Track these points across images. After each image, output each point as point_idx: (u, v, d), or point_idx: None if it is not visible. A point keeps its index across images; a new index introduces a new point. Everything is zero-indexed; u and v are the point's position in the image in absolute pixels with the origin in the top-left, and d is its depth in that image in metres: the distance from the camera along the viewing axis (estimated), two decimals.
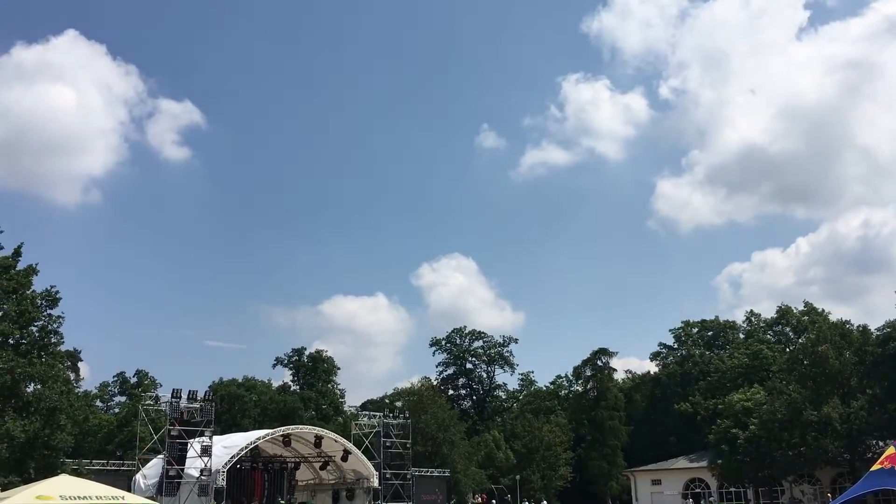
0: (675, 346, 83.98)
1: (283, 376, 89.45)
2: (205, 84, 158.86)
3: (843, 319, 55.60)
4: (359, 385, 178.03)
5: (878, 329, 50.76)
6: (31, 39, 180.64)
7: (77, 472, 27.71)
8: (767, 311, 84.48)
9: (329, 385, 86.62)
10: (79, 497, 20.66)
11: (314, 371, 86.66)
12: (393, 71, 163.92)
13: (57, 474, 24.42)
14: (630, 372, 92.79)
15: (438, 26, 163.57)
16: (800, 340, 69.26)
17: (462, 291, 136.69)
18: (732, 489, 57.79)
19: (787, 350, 70.46)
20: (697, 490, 61.06)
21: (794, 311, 75.59)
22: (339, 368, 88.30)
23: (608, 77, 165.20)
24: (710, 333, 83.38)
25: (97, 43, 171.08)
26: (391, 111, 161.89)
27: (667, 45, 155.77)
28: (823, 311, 71.51)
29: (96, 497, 21.30)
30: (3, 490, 24.33)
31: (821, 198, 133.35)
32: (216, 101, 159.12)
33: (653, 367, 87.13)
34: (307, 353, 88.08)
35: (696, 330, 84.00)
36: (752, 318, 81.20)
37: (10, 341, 26.76)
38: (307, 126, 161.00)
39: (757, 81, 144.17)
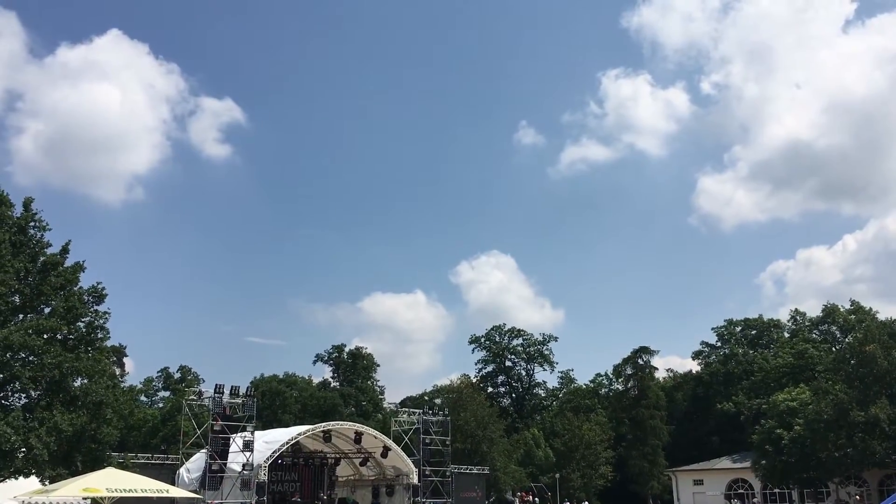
0: (718, 344, 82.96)
1: (324, 373, 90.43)
2: (245, 82, 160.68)
3: (892, 318, 54.39)
4: (398, 382, 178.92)
5: None
6: (76, 40, 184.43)
7: (123, 466, 28.23)
8: (813, 310, 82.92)
9: (369, 382, 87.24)
10: (124, 490, 21.07)
11: (354, 368, 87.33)
12: (431, 67, 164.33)
13: (103, 467, 24.89)
14: (671, 370, 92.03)
15: (476, 22, 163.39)
16: (846, 340, 67.89)
17: (501, 289, 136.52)
18: (776, 490, 56.89)
19: (834, 349, 69.10)
20: (741, 491, 60.21)
21: (841, 309, 74.05)
22: (378, 365, 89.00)
23: (649, 72, 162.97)
24: (753, 332, 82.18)
25: (140, 42, 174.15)
26: (430, 108, 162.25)
27: (709, 39, 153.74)
28: (871, 309, 70.00)
29: (141, 490, 21.71)
30: (51, 482, 24.90)
31: (868, 194, 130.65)
32: (256, 99, 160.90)
33: (695, 366, 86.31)
34: (347, 349, 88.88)
35: (739, 328, 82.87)
36: (798, 317, 79.82)
37: (59, 337, 27.23)
38: (346, 124, 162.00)
39: (802, 76, 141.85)
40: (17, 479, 25.95)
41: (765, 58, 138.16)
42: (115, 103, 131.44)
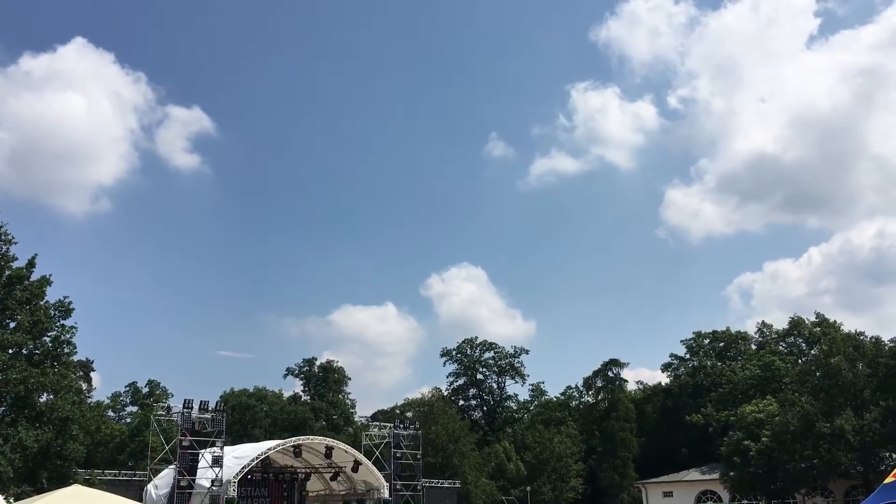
0: (687, 356, 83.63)
1: (294, 386, 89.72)
2: (213, 91, 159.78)
3: (857, 331, 55.36)
4: (369, 395, 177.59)
5: (891, 340, 50.54)
6: (39, 49, 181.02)
7: (89, 483, 27.85)
8: (779, 322, 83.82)
9: (340, 395, 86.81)
10: None
11: (325, 381, 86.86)
12: (401, 79, 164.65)
13: (69, 484, 24.55)
14: (641, 383, 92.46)
15: (446, 35, 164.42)
16: (812, 352, 68.86)
17: (472, 300, 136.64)
18: (745, 501, 57.38)
19: (800, 361, 70.04)
20: (709, 502, 60.69)
21: (807, 322, 75.13)
22: (349, 379, 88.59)
23: (617, 85, 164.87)
24: (721, 344, 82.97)
25: (105, 51, 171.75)
26: (399, 120, 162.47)
27: (676, 54, 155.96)
28: (836, 322, 71.13)
29: None
30: (15, 500, 24.49)
31: (834, 207, 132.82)
32: (225, 108, 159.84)
33: (664, 379, 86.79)
34: (318, 363, 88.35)
35: (707, 341, 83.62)
36: (765, 330, 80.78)
37: (24, 352, 26.95)
38: (315, 135, 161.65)
39: (768, 90, 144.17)
40: None
41: (731, 72, 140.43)
42: (81, 113, 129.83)
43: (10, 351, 26.21)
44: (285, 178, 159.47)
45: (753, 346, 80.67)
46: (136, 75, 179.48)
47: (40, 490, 25.08)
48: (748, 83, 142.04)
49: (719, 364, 79.44)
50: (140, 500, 31.68)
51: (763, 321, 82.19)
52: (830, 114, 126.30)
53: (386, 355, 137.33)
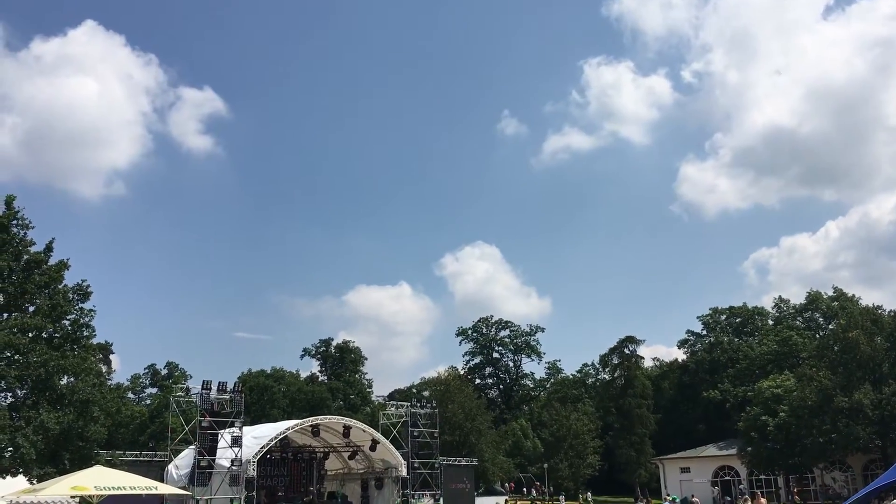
0: (704, 332, 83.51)
1: (311, 367, 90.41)
2: (225, 71, 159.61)
3: (875, 305, 55.08)
4: (385, 375, 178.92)
5: None
6: (49, 32, 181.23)
7: (111, 463, 28.10)
8: (796, 297, 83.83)
9: (356, 375, 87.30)
10: (113, 487, 21.01)
11: (341, 361, 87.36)
12: (413, 58, 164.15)
13: (91, 465, 24.80)
14: (658, 359, 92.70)
15: (458, 13, 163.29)
16: (830, 326, 68.55)
17: (487, 279, 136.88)
18: (762, 476, 57.46)
19: (817, 336, 69.75)
20: (727, 478, 60.75)
21: (824, 296, 74.77)
22: (366, 359, 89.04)
23: (631, 60, 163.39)
24: (738, 320, 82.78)
25: (115, 33, 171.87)
26: (411, 99, 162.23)
27: (690, 27, 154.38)
28: (854, 296, 70.70)
29: (130, 487, 21.65)
30: (38, 481, 24.81)
31: (851, 180, 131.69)
32: (237, 89, 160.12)
33: (681, 355, 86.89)
34: (334, 343, 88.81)
35: (724, 317, 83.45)
36: (782, 305, 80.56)
37: (44, 335, 27.14)
38: (328, 114, 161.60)
39: (783, 62, 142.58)
40: (4, 478, 25.88)
41: (745, 45, 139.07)
42: (93, 96, 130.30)
43: (31, 334, 26.42)
44: (298, 158, 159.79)
45: (770, 322, 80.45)
46: (148, 57, 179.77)
47: (63, 471, 25.36)
48: (763, 55, 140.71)
49: (736, 340, 79.31)
50: (161, 480, 32.00)
51: (780, 296, 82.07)
52: (847, 86, 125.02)
53: (401, 335, 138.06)
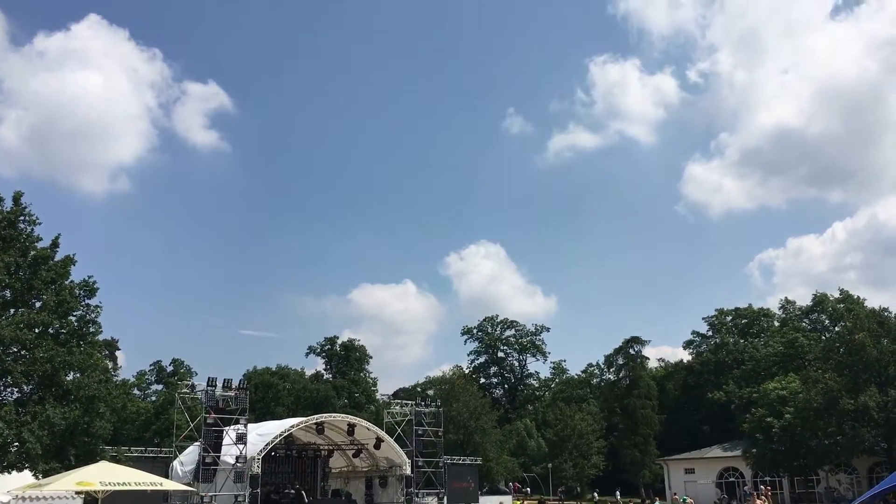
0: (709, 333, 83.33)
1: (316, 365, 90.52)
2: (230, 65, 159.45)
3: (881, 307, 54.75)
4: (389, 373, 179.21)
5: None
6: (53, 27, 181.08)
7: (116, 459, 28.20)
8: (802, 299, 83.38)
9: (361, 374, 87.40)
10: (118, 483, 21.02)
11: (346, 360, 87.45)
12: (419, 55, 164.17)
13: (97, 461, 24.84)
14: (663, 360, 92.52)
15: (464, 12, 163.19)
16: (836, 328, 68.29)
17: (492, 278, 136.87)
18: (767, 478, 57.27)
19: (823, 338, 69.49)
20: (731, 479, 60.64)
21: (830, 298, 74.51)
22: (371, 357, 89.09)
23: (637, 58, 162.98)
24: (744, 321, 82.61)
25: (119, 27, 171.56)
26: (417, 96, 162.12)
27: (696, 26, 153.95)
28: (860, 298, 70.44)
29: (135, 483, 21.66)
30: (44, 476, 24.89)
31: (859, 181, 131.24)
32: (242, 83, 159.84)
33: (686, 356, 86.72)
34: (339, 341, 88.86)
35: (729, 318, 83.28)
36: (788, 306, 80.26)
37: (50, 331, 27.22)
38: (333, 111, 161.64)
39: (791, 62, 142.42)
40: (10, 473, 25.96)
41: (753, 44, 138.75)
42: (98, 91, 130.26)
43: (37, 330, 26.50)
44: (304, 154, 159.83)
45: (776, 323, 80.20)
46: (152, 52, 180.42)
47: (68, 467, 25.43)
48: (771, 55, 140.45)
49: (742, 341, 79.13)
50: (166, 477, 32.09)
51: (786, 298, 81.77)
52: (856, 86, 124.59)
53: (406, 333, 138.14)
